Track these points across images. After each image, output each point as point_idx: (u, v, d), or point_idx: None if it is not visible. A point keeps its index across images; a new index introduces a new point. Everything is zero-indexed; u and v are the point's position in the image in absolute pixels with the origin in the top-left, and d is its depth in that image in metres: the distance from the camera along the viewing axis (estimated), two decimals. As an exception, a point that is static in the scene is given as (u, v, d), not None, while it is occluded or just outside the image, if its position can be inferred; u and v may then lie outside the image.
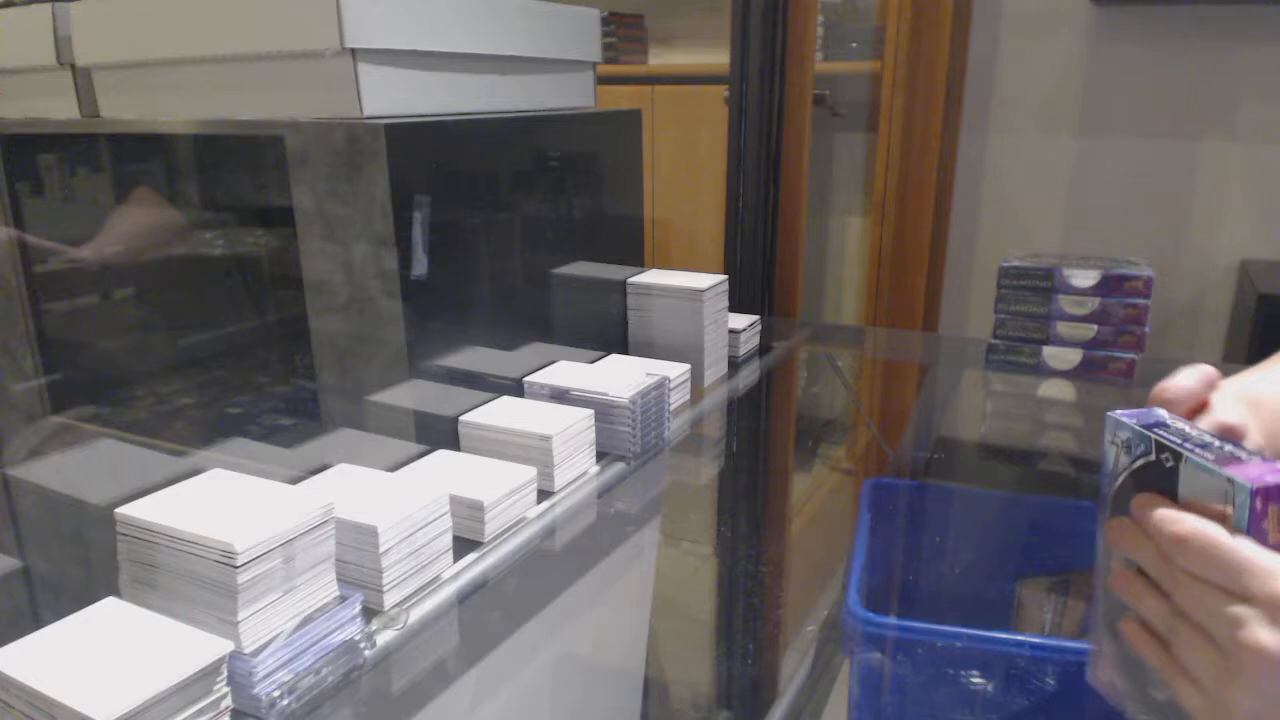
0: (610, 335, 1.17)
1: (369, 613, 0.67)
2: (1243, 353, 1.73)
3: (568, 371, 1.00)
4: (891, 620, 0.69)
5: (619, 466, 0.94)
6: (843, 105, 2.34)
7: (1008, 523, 1.00)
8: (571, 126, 1.08)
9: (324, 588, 0.62)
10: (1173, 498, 0.46)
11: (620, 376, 0.98)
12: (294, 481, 0.73)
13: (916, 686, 0.64)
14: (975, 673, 0.70)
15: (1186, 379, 0.51)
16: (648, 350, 1.18)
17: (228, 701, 0.55)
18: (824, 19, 2.32)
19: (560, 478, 0.87)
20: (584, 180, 1.10)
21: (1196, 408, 0.51)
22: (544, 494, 0.85)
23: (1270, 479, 0.42)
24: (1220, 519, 0.43)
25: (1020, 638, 0.73)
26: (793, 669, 0.77)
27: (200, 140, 1.12)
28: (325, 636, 0.61)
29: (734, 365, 1.27)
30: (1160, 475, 0.47)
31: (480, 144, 0.92)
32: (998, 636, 0.71)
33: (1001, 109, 2.14)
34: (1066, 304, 1.19)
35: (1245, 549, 0.42)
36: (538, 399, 0.97)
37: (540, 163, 1.02)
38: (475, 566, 0.75)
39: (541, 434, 0.85)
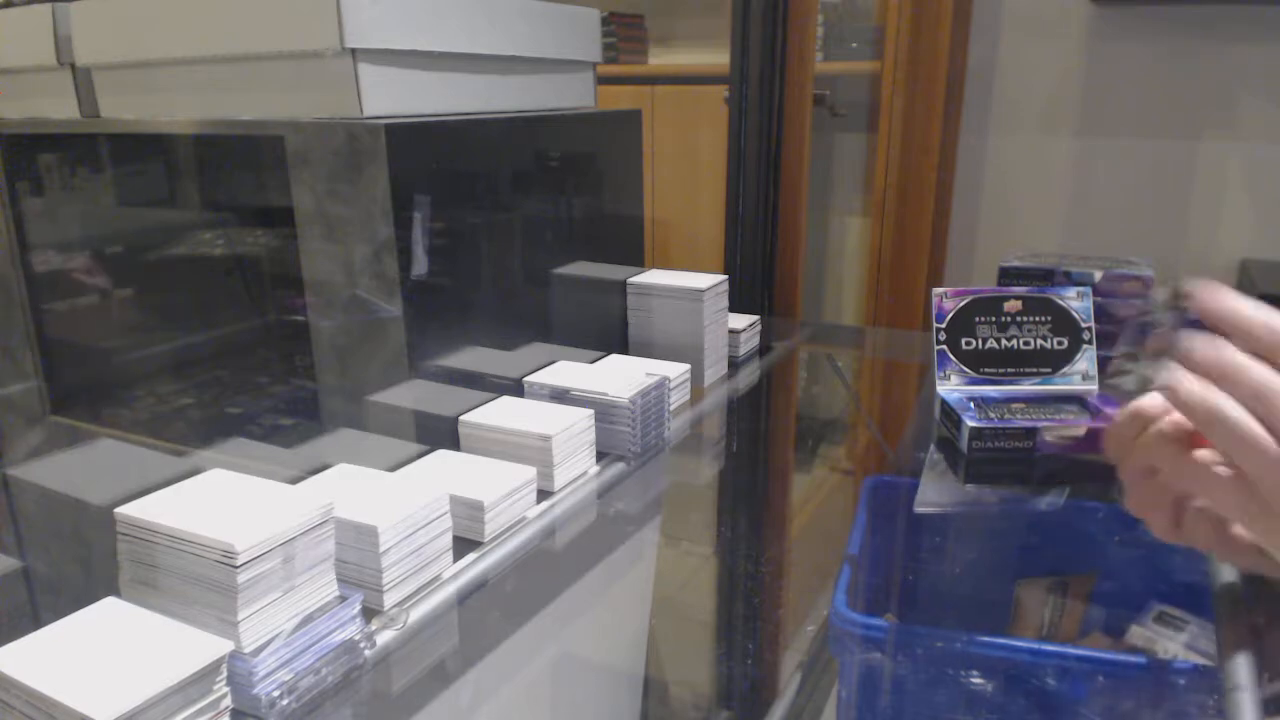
0: (610, 335, 1.17)
1: (369, 613, 0.67)
2: (1243, 353, 1.72)
3: (568, 371, 1.00)
4: (877, 621, 0.69)
5: (619, 466, 0.94)
6: (843, 105, 2.34)
7: (1007, 523, 1.00)
8: (571, 126, 1.08)
9: (324, 588, 0.62)
10: None
11: (620, 376, 0.98)
12: (294, 481, 0.73)
13: (905, 686, 0.64)
14: (973, 673, 0.70)
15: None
16: (648, 350, 1.18)
17: (228, 701, 0.55)
18: (824, 19, 2.32)
19: (560, 478, 0.87)
20: (584, 180, 1.10)
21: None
22: (544, 494, 0.85)
23: None
24: None
25: (1016, 642, 0.73)
26: (793, 669, 0.77)
27: (200, 140, 1.12)
28: (325, 636, 0.61)
29: (734, 365, 1.26)
30: None
31: (480, 144, 0.92)
32: (984, 640, 0.71)
33: (1001, 109, 2.14)
34: (1066, 304, 1.19)
35: None
36: (538, 399, 0.97)
37: (540, 163, 1.02)
38: (475, 566, 0.75)
39: (541, 434, 0.85)
